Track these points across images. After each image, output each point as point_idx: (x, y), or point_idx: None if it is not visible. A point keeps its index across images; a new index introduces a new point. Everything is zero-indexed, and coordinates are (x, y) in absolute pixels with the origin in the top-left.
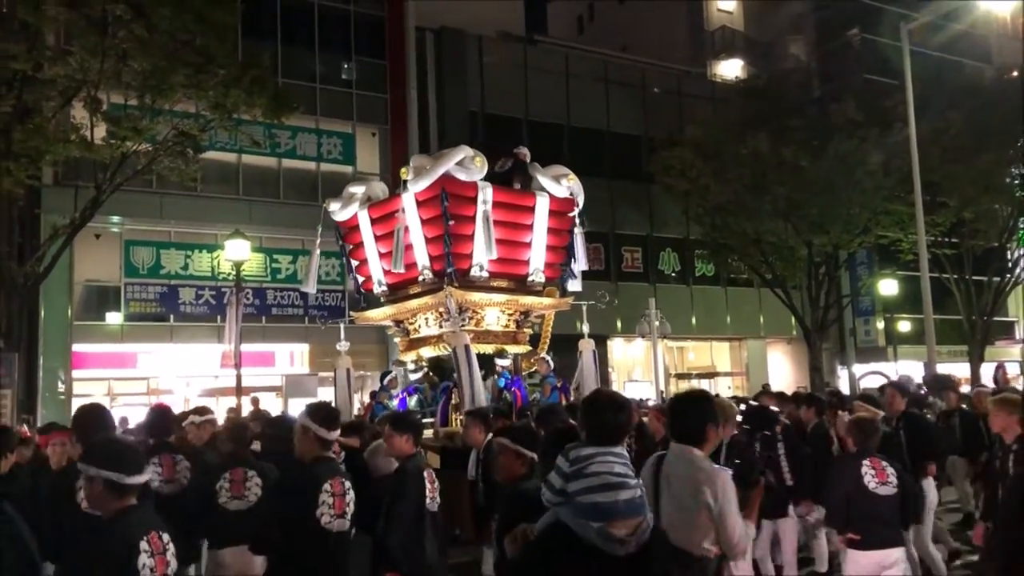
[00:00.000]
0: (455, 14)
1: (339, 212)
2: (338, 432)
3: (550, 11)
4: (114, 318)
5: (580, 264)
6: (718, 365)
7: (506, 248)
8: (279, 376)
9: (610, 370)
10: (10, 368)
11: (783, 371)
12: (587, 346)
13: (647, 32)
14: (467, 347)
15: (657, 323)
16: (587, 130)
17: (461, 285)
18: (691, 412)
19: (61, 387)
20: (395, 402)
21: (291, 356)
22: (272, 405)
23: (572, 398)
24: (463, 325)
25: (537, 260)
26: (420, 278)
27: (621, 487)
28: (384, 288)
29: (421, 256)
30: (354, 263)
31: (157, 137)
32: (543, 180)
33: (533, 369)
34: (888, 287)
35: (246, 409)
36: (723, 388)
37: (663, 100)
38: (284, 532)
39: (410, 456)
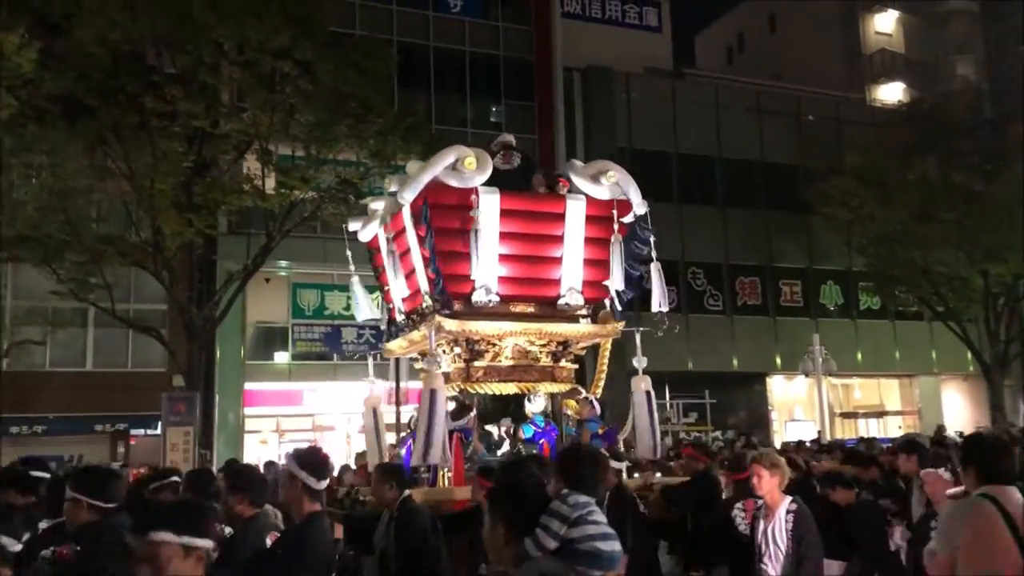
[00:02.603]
0: (602, 52)
1: (362, 232)
2: (327, 482)
3: (698, 44)
4: (282, 357)
5: (663, 300)
6: (887, 404)
7: (527, 265)
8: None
9: (769, 409)
10: (191, 406)
11: (959, 410)
12: (640, 384)
13: (800, 59)
14: (434, 392)
15: (821, 360)
16: (739, 161)
17: (459, 313)
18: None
19: (235, 423)
20: (403, 450)
21: None
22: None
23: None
24: (471, 360)
25: (572, 278)
26: (423, 305)
27: (615, 538)
28: (403, 316)
29: (421, 279)
30: (385, 288)
31: (321, 185)
32: (577, 180)
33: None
34: None
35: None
36: (893, 428)
37: (819, 128)
38: None
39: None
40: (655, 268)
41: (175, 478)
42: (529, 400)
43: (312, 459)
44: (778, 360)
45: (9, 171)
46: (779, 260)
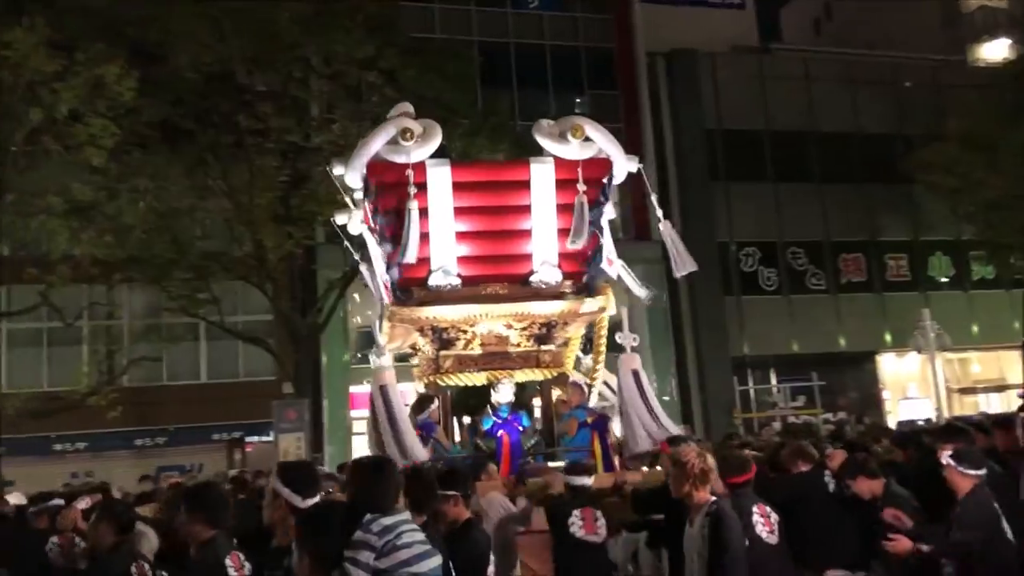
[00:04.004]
0: (684, 34)
1: (350, 224)
2: (316, 499)
3: (783, 18)
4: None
5: (684, 264)
6: (1008, 377)
7: (491, 242)
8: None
9: (881, 388)
10: (301, 413)
11: None
12: (628, 364)
13: (894, 25)
14: (383, 388)
15: (933, 334)
16: (834, 135)
17: (414, 300)
18: None
19: (343, 426)
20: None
21: None
22: None
23: (611, 438)
24: (440, 349)
25: (545, 251)
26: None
27: (432, 554)
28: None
29: (379, 264)
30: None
31: None
32: (544, 141)
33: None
34: None
35: None
36: (1016, 401)
37: (918, 94)
38: None
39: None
40: (668, 230)
41: (57, 501)
42: (495, 389)
43: (298, 474)
44: (887, 337)
45: (117, 197)
46: (883, 234)
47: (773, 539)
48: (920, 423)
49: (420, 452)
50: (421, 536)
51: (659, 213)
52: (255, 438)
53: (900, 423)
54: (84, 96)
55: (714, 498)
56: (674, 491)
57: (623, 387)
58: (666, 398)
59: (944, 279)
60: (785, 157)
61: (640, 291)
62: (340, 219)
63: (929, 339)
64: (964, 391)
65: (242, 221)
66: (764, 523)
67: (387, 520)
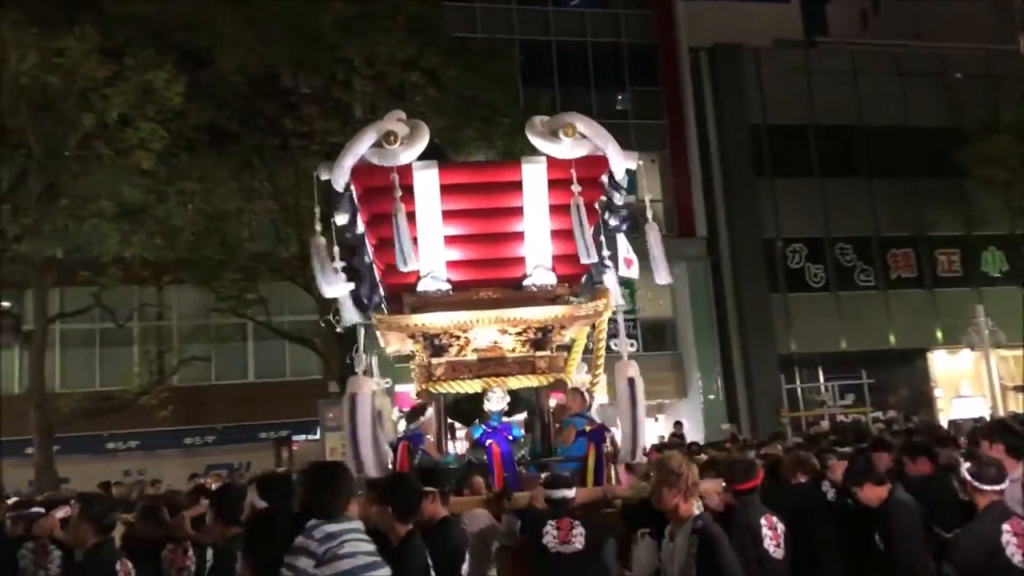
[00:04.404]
0: (728, 29)
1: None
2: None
3: (829, 11)
4: None
5: (660, 274)
6: None
7: (482, 245)
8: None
9: (932, 386)
10: None
11: None
12: (624, 371)
13: (943, 15)
14: (352, 396)
15: (987, 331)
16: (883, 129)
17: (401, 307)
18: None
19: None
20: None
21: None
22: None
23: (609, 446)
24: (433, 356)
25: (538, 254)
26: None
27: (380, 565)
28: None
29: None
30: None
31: None
32: (536, 140)
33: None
34: None
35: None
36: None
37: (969, 85)
38: None
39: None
40: (653, 233)
41: (37, 509)
42: (487, 398)
43: (275, 486)
44: (939, 334)
45: (166, 200)
46: (933, 229)
47: (780, 553)
48: (972, 421)
49: (372, 467)
50: (369, 546)
51: (648, 214)
52: (302, 437)
53: (951, 422)
54: (134, 101)
55: (699, 512)
56: (662, 502)
57: (618, 394)
58: (711, 397)
59: (997, 274)
60: (832, 152)
61: (664, 278)
62: (340, 219)
63: (983, 336)
64: (1019, 388)
65: (288, 223)
66: (772, 536)
67: (331, 527)
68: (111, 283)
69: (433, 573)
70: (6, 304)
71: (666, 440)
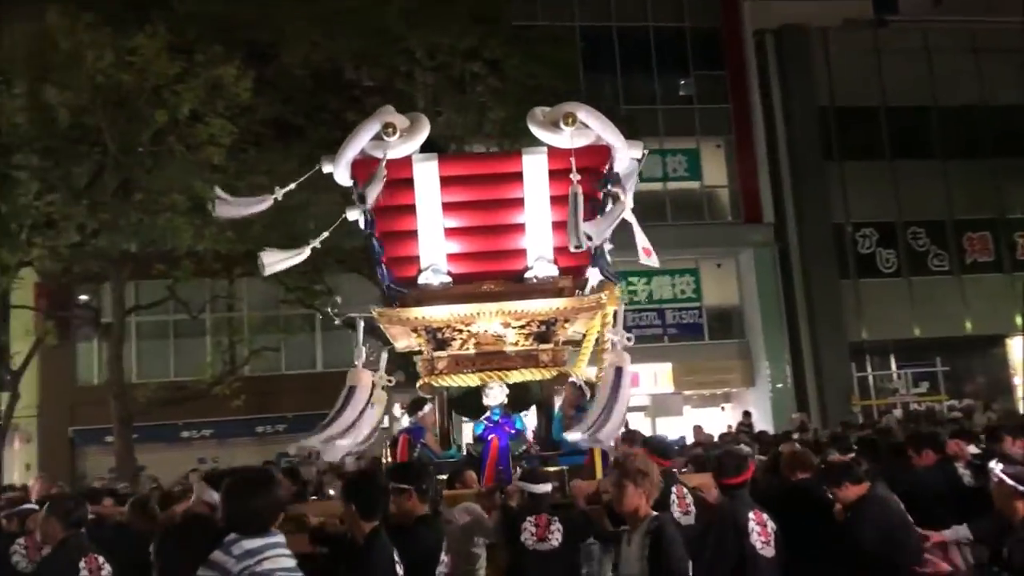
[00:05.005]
0: (794, 10)
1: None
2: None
3: None
4: None
5: (643, 254)
6: None
7: (483, 238)
8: (645, 396)
9: (1012, 374)
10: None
11: None
12: (613, 360)
13: None
14: (351, 389)
15: None
16: (958, 108)
17: (405, 300)
18: None
19: None
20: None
21: (654, 376)
22: (641, 425)
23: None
24: (436, 350)
25: (540, 246)
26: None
27: None
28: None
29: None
30: None
31: None
32: (537, 131)
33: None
34: None
35: None
36: None
37: None
38: None
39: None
40: (629, 214)
41: (31, 505)
42: (485, 393)
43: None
44: (1019, 320)
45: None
46: (1013, 211)
47: (769, 551)
48: None
49: (333, 454)
50: (290, 562)
51: (622, 197)
52: None
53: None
54: (204, 97)
55: (655, 513)
56: (624, 503)
57: (602, 380)
58: (780, 385)
59: None
60: (903, 133)
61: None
62: (351, 215)
63: None
64: None
65: None
66: (760, 532)
67: (250, 543)
68: (184, 276)
69: (401, 573)
70: (85, 298)
71: (734, 429)
